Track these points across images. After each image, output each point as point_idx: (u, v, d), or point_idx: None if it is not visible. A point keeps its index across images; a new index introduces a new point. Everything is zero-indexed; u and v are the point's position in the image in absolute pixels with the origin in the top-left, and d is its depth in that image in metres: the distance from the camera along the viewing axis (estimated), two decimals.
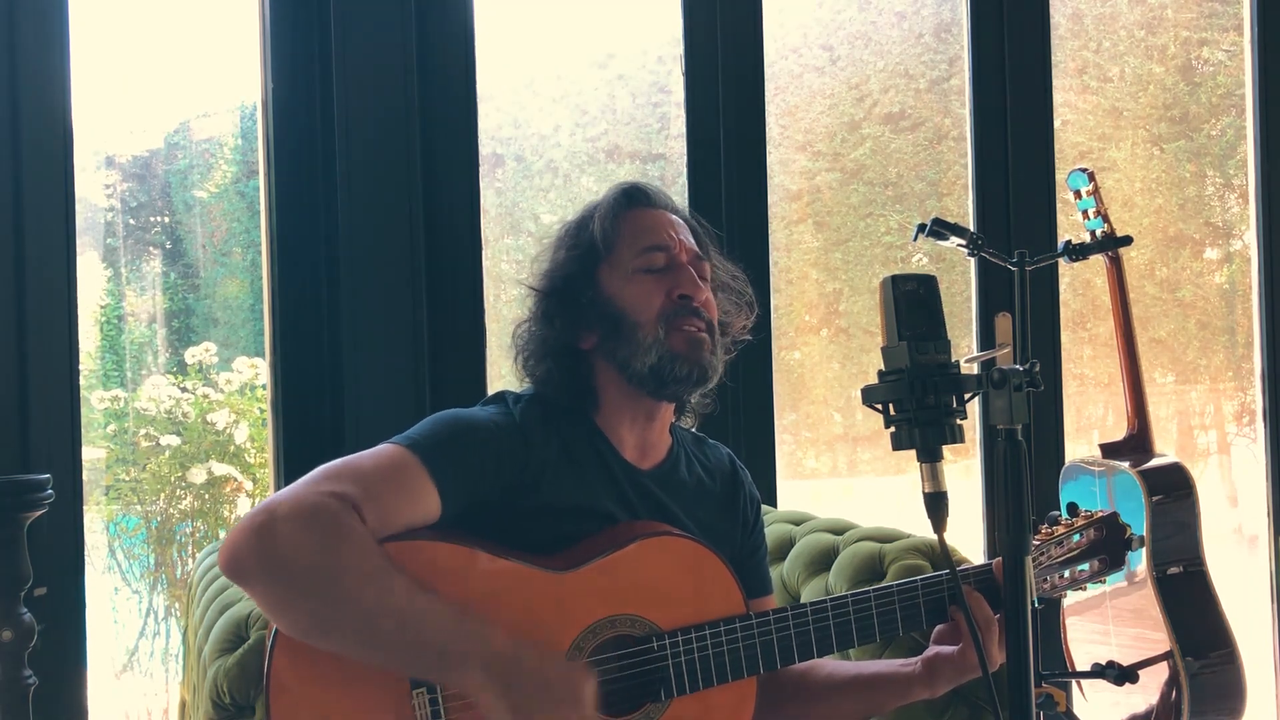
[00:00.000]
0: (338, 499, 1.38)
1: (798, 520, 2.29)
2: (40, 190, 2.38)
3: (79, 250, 2.45)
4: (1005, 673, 1.36)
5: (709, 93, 2.94)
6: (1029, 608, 1.33)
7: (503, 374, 2.76)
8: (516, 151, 3.32)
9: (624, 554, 1.52)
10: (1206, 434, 4.25)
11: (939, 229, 2.51)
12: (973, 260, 3.11)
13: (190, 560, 3.00)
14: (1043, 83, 3.26)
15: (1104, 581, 1.76)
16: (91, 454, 2.80)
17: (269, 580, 1.36)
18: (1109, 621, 2.82)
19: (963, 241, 2.53)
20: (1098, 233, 2.76)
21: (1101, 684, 2.39)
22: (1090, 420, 3.93)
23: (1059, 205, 3.26)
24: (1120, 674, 2.29)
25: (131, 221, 3.10)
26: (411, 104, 2.66)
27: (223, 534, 3.01)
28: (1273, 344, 3.46)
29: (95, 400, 2.90)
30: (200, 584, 2.02)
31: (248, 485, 3.01)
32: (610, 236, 1.64)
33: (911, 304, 1.34)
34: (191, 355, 2.99)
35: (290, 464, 2.62)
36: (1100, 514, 1.75)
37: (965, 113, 3.28)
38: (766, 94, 3.02)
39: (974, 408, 1.35)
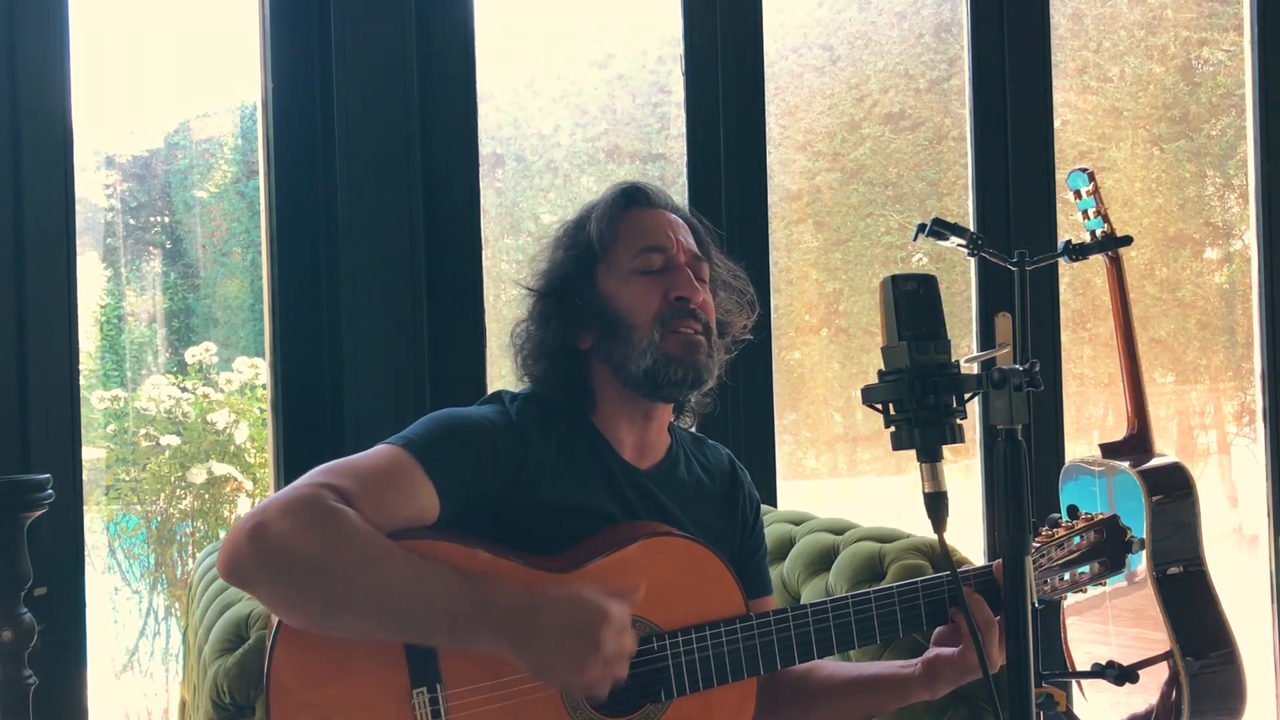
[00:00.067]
0: (328, 489, 1.38)
1: (798, 520, 2.29)
2: (40, 190, 2.38)
3: (79, 250, 2.45)
4: (1005, 673, 1.35)
5: (709, 93, 2.94)
6: (1029, 608, 1.33)
7: (503, 374, 2.75)
8: (516, 151, 3.32)
9: (624, 554, 1.52)
10: (1206, 434, 4.25)
11: (939, 229, 2.51)
12: (973, 260, 3.11)
13: (190, 560, 3.00)
14: (1043, 83, 3.26)
15: (1104, 584, 1.76)
16: (91, 454, 2.80)
17: (272, 578, 1.36)
18: (1109, 621, 2.82)
19: (963, 241, 2.53)
20: (1098, 233, 2.76)
21: (1101, 684, 2.39)
22: (1090, 420, 3.93)
23: (1059, 205, 3.26)
24: (1120, 674, 2.29)
25: (131, 221, 3.10)
26: (411, 104, 2.66)
27: (223, 534, 3.01)
28: (1273, 344, 3.46)
29: (95, 400, 2.90)
30: (200, 584, 2.02)
31: (248, 485, 3.01)
32: (607, 237, 1.64)
33: (911, 304, 1.33)
34: (191, 355, 2.99)
35: (290, 464, 2.62)
36: (1100, 516, 1.75)
37: (965, 113, 3.28)
38: (766, 94, 3.02)
39: (974, 408, 1.35)
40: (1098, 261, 2.83)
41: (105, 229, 3.03)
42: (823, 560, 2.12)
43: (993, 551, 3.09)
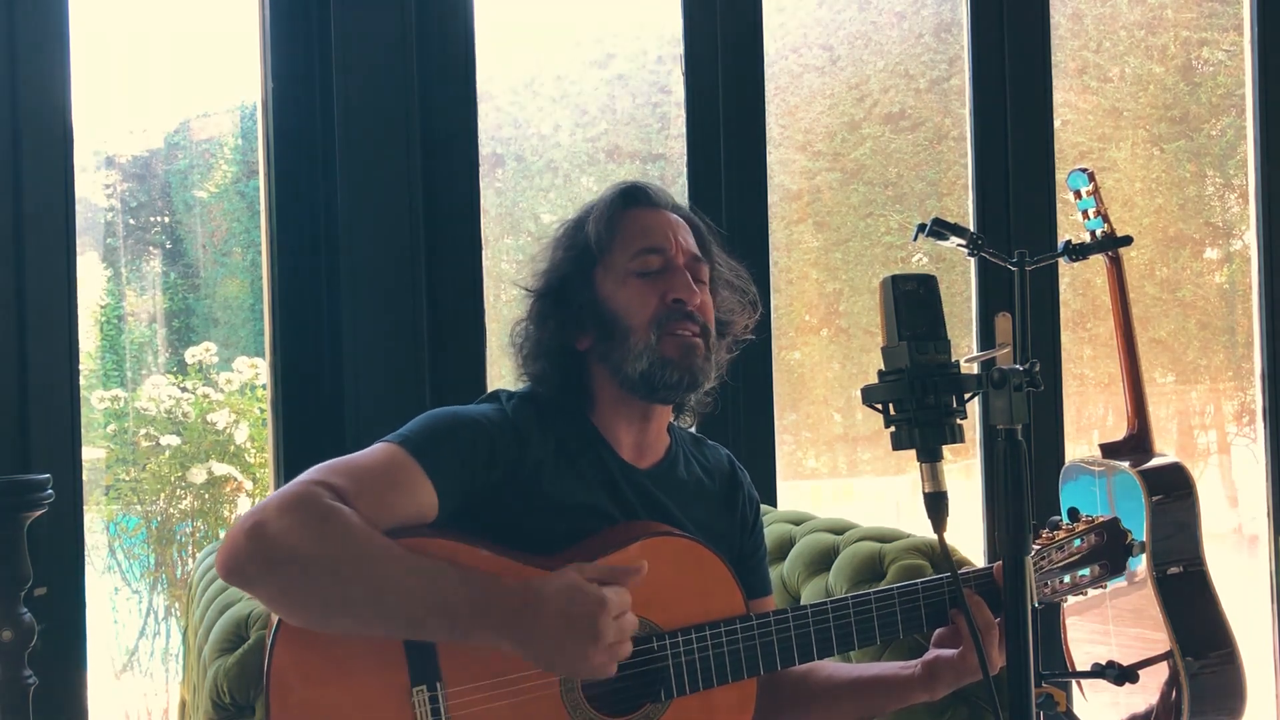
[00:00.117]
0: (325, 488, 1.38)
1: (798, 520, 2.29)
2: (40, 190, 2.38)
3: (79, 250, 2.45)
4: (1005, 673, 1.35)
5: (709, 93, 2.94)
6: (1029, 609, 1.33)
7: (503, 374, 2.75)
8: (516, 151, 3.32)
9: (624, 554, 1.52)
10: (1206, 434, 4.25)
11: (939, 229, 2.51)
12: (973, 260, 3.11)
13: (190, 560, 3.00)
14: (1043, 83, 3.26)
15: (1104, 586, 1.76)
16: (91, 454, 2.80)
17: (270, 577, 1.36)
18: (1109, 621, 2.82)
19: (963, 241, 2.53)
20: (1098, 233, 2.76)
21: (1101, 684, 2.39)
22: (1090, 420, 3.93)
23: (1059, 205, 3.26)
24: (1120, 674, 2.29)
25: (131, 221, 3.10)
26: (411, 104, 2.66)
27: (223, 534, 3.01)
28: (1273, 344, 3.46)
29: (95, 400, 2.90)
30: (200, 584, 2.02)
31: (248, 485, 3.01)
32: (605, 238, 1.63)
33: (911, 304, 1.33)
34: (191, 355, 2.99)
35: (290, 464, 2.62)
36: (1101, 519, 1.75)
37: (965, 113, 3.28)
38: (766, 94, 3.02)
39: (974, 408, 1.35)
40: (1098, 261, 2.83)
41: (105, 229, 3.03)
42: (823, 560, 2.12)
43: (993, 552, 3.09)
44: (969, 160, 3.26)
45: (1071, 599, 1.77)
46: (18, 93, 2.37)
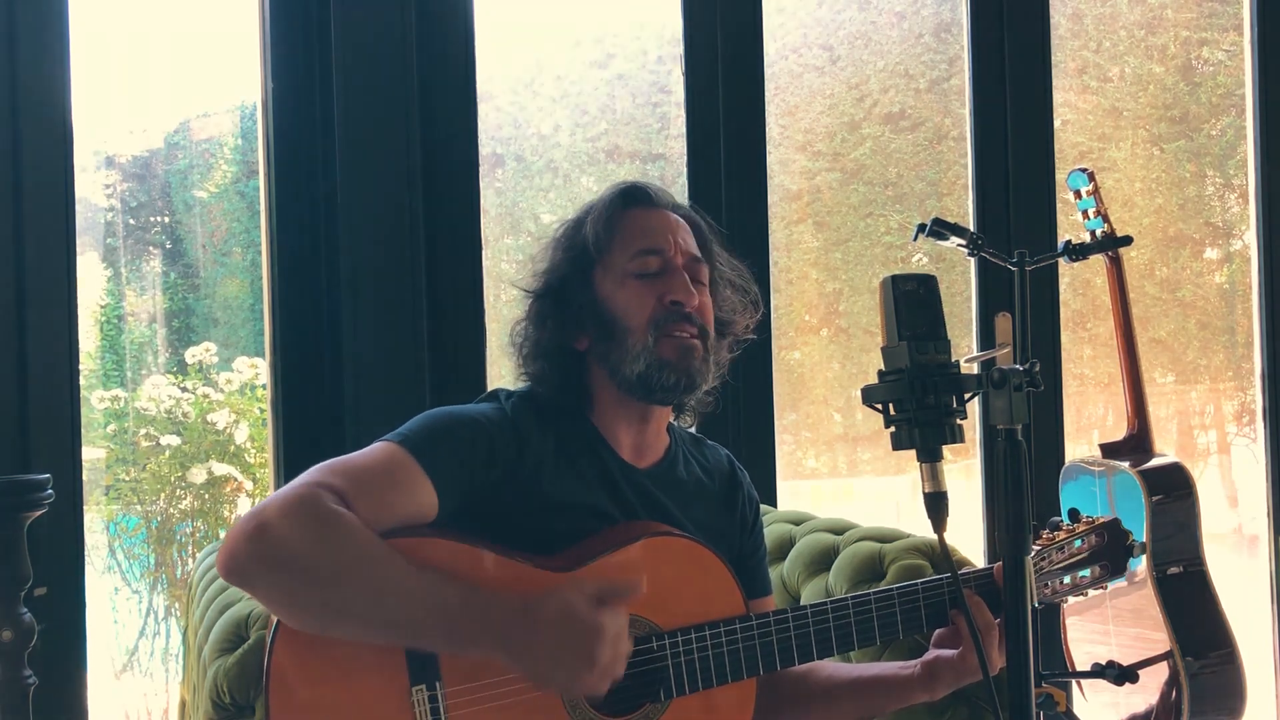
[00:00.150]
0: (324, 489, 1.38)
1: (798, 520, 2.29)
2: (40, 190, 2.38)
3: (79, 250, 2.45)
4: (1005, 674, 1.35)
5: (709, 93, 2.94)
6: (1029, 608, 1.33)
7: (503, 374, 2.75)
8: (516, 151, 3.32)
9: (624, 554, 1.52)
10: (1206, 434, 4.25)
11: (939, 229, 2.50)
12: (973, 260, 3.11)
13: (190, 560, 3.00)
14: (1043, 83, 3.26)
15: (1105, 587, 1.76)
16: (91, 454, 2.80)
17: (270, 579, 1.36)
18: (1109, 621, 2.82)
19: (963, 241, 2.53)
20: (1098, 233, 2.76)
21: (1101, 684, 2.39)
22: (1090, 420, 3.93)
23: (1059, 205, 3.26)
24: (1120, 674, 2.29)
25: (131, 221, 3.10)
26: (411, 104, 2.66)
27: (223, 534, 3.01)
28: (1273, 344, 3.46)
29: (95, 400, 2.90)
30: (200, 584, 2.02)
31: (248, 485, 3.01)
32: (603, 239, 1.63)
33: (911, 304, 1.33)
34: (191, 355, 2.99)
35: (290, 464, 2.62)
36: (1102, 520, 1.75)
37: (965, 113, 3.28)
38: (766, 94, 3.02)
39: (974, 408, 1.35)
40: (1098, 261, 2.83)
41: (105, 229, 3.03)
42: (823, 560, 2.12)
43: (993, 552, 3.09)
44: (969, 160, 3.26)
45: (1072, 599, 1.77)
46: (18, 93, 2.37)
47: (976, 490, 3.26)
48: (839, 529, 2.18)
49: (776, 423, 3.00)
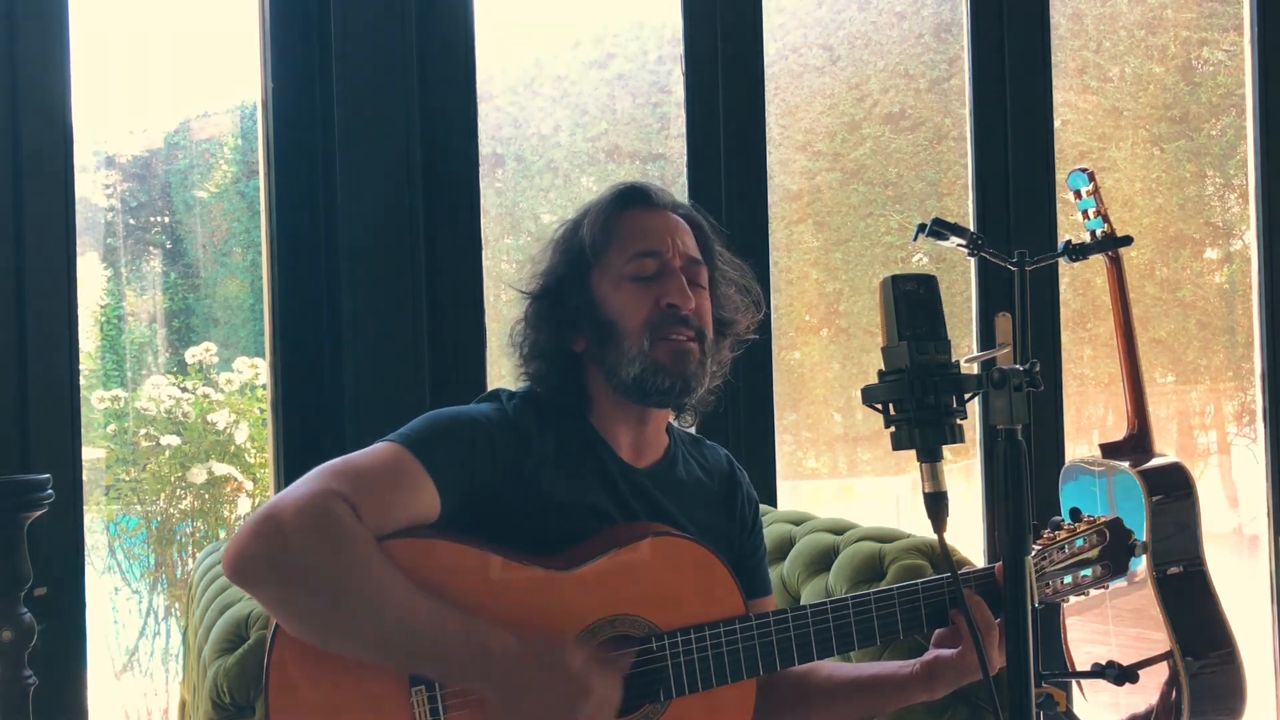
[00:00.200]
0: (341, 501, 1.38)
1: (798, 520, 2.29)
2: (40, 190, 2.38)
3: (79, 250, 2.45)
4: (1005, 673, 1.35)
5: (709, 93, 2.94)
6: (1029, 609, 1.33)
7: (503, 374, 2.75)
8: (516, 151, 3.32)
9: (624, 554, 1.52)
10: (1206, 434, 4.25)
11: (939, 229, 2.50)
12: (973, 260, 3.11)
13: (190, 560, 3.00)
14: (1043, 83, 3.26)
15: (1106, 586, 1.76)
16: (91, 454, 2.80)
17: (279, 585, 1.36)
18: (1109, 621, 2.82)
19: (963, 241, 2.53)
20: (1098, 233, 2.76)
21: (1101, 684, 2.39)
22: (1090, 420, 3.93)
23: (1059, 205, 3.26)
24: (1120, 674, 2.29)
25: (131, 221, 3.10)
26: (411, 104, 2.66)
27: (223, 534, 3.01)
28: (1273, 344, 3.46)
29: (95, 400, 2.90)
30: (200, 584, 2.02)
31: (248, 485, 3.01)
32: (600, 241, 1.62)
33: (911, 304, 1.33)
34: (191, 355, 2.99)
35: (290, 464, 2.62)
36: (1103, 519, 1.75)
37: (965, 113, 3.28)
38: (766, 94, 3.02)
39: (974, 408, 1.35)
40: (1098, 261, 2.83)
41: (105, 229, 3.03)
42: (823, 560, 2.12)
43: (993, 552, 3.09)
44: (969, 160, 3.26)
45: (1073, 599, 1.77)
46: (18, 93, 2.37)
47: (976, 490, 3.26)
48: (839, 529, 2.18)
49: (776, 423, 3.00)
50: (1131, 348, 2.83)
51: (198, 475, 2.95)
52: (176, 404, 2.95)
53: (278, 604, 1.38)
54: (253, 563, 1.35)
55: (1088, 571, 1.73)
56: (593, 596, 1.49)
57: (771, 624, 1.55)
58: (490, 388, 2.73)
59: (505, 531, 1.51)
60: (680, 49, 2.95)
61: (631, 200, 1.66)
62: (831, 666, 1.72)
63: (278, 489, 2.68)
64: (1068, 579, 1.72)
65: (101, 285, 3.04)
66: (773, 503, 2.89)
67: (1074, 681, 2.89)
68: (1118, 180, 3.88)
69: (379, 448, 1.49)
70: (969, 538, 3.20)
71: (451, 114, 2.72)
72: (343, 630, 1.38)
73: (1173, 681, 2.62)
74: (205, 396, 2.97)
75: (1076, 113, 3.82)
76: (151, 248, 3.15)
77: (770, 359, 2.99)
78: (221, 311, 3.16)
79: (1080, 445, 3.63)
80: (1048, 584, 1.71)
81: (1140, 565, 2.68)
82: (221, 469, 2.96)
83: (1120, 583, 1.81)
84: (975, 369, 1.42)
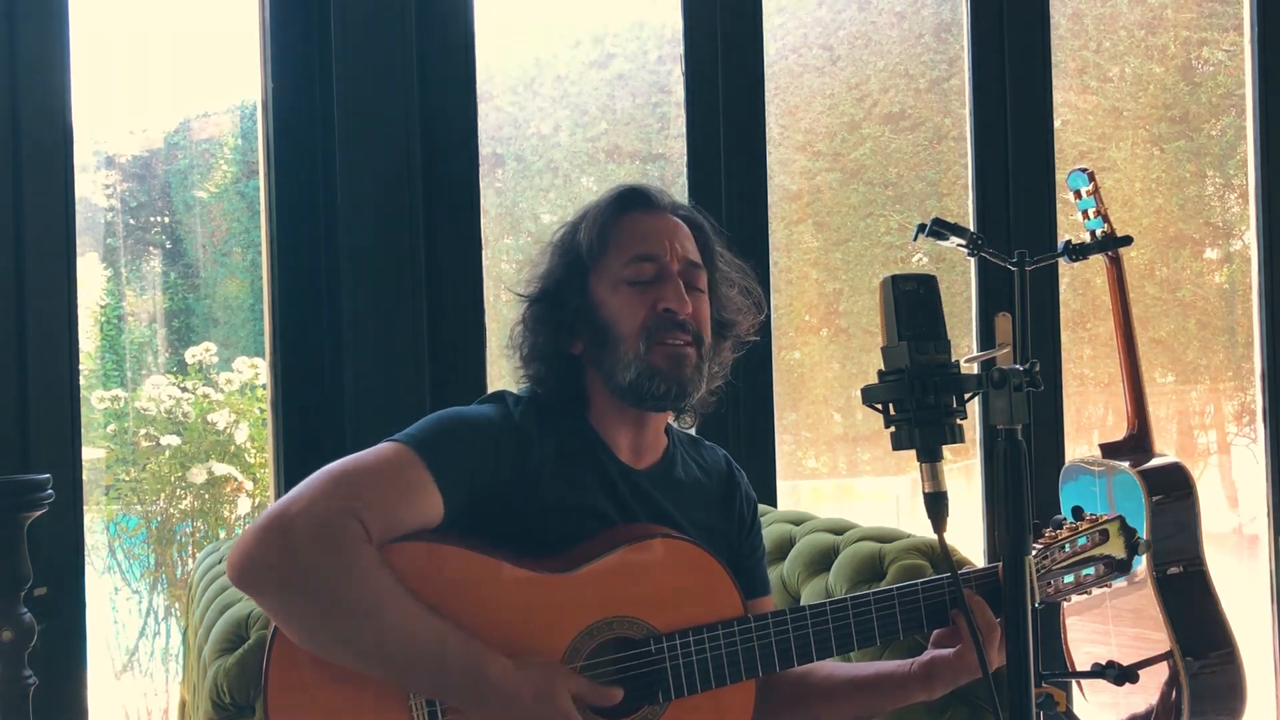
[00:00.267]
0: (353, 521, 1.38)
1: (798, 520, 2.29)
2: (40, 190, 2.38)
3: (79, 250, 2.45)
4: (1005, 673, 1.35)
5: (709, 93, 2.94)
6: (1029, 609, 1.33)
7: (503, 374, 2.75)
8: (516, 151, 3.32)
9: (622, 556, 1.52)
10: (1206, 434, 4.24)
11: (939, 229, 2.50)
12: (973, 260, 3.11)
13: (190, 560, 3.00)
14: (1043, 83, 3.26)
15: (1109, 585, 1.76)
16: (91, 454, 2.80)
17: (284, 595, 1.37)
18: (1109, 621, 2.82)
19: (963, 241, 2.53)
20: (1098, 233, 2.76)
21: (1101, 684, 2.39)
22: (1090, 420, 3.93)
23: (1059, 205, 3.26)
24: (1120, 674, 2.29)
25: (131, 221, 3.10)
26: (411, 104, 2.66)
27: (223, 534, 3.01)
28: (1273, 344, 3.46)
29: (95, 400, 2.90)
30: (200, 584, 2.02)
31: (248, 485, 3.01)
32: (598, 245, 1.62)
33: (911, 304, 1.33)
34: (191, 355, 2.99)
35: (290, 464, 2.62)
36: (1106, 518, 1.75)
37: (965, 113, 3.28)
38: (766, 94, 3.02)
39: (974, 408, 1.35)
40: (1098, 261, 2.83)
41: (105, 229, 3.03)
42: (823, 560, 2.12)
43: (993, 552, 3.09)
44: (969, 160, 3.26)
45: (1075, 598, 1.76)
46: (18, 93, 2.37)
47: (976, 490, 3.26)
48: (839, 529, 2.18)
49: (776, 423, 2.99)
50: (1131, 348, 2.83)
51: (198, 475, 2.95)
52: (176, 404, 2.95)
53: (281, 613, 1.38)
54: (259, 570, 1.35)
55: (1090, 570, 1.73)
56: (591, 598, 1.49)
57: (771, 625, 1.55)
58: (490, 388, 2.74)
59: (505, 533, 1.51)
60: (680, 49, 2.95)
61: (630, 203, 1.65)
62: (830, 666, 1.72)
63: (278, 489, 2.68)
64: (1069, 578, 1.72)
65: (101, 285, 3.04)
66: (773, 503, 2.89)
67: (1074, 681, 2.89)
68: (1118, 180, 3.88)
69: (383, 449, 1.49)
70: (969, 538, 3.20)
71: (451, 114, 2.72)
72: (342, 644, 1.38)
73: (1173, 681, 2.62)
74: (205, 396, 2.97)
75: (1076, 113, 3.82)
76: (151, 248, 3.15)
77: (770, 359, 2.99)
78: (221, 311, 3.16)
79: (1080, 445, 3.63)
80: (1050, 583, 1.71)
81: (1140, 565, 2.68)
82: (221, 469, 2.96)
83: (1122, 582, 1.81)
84: (975, 369, 1.42)
